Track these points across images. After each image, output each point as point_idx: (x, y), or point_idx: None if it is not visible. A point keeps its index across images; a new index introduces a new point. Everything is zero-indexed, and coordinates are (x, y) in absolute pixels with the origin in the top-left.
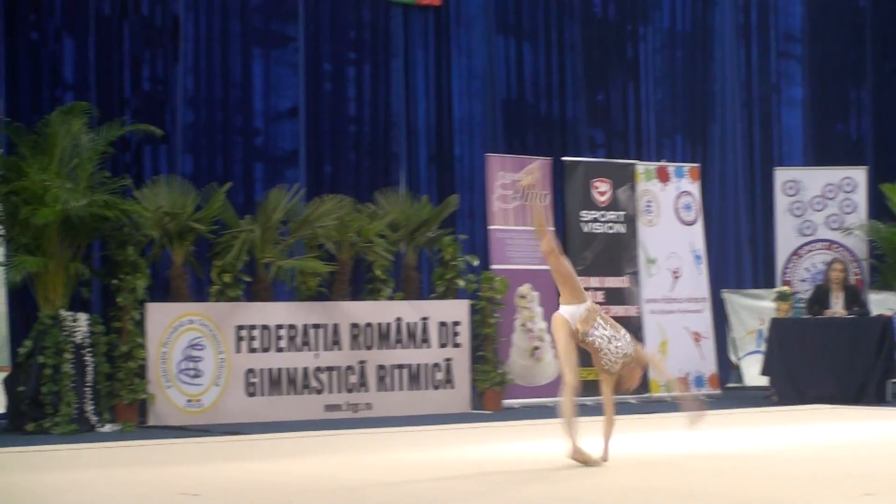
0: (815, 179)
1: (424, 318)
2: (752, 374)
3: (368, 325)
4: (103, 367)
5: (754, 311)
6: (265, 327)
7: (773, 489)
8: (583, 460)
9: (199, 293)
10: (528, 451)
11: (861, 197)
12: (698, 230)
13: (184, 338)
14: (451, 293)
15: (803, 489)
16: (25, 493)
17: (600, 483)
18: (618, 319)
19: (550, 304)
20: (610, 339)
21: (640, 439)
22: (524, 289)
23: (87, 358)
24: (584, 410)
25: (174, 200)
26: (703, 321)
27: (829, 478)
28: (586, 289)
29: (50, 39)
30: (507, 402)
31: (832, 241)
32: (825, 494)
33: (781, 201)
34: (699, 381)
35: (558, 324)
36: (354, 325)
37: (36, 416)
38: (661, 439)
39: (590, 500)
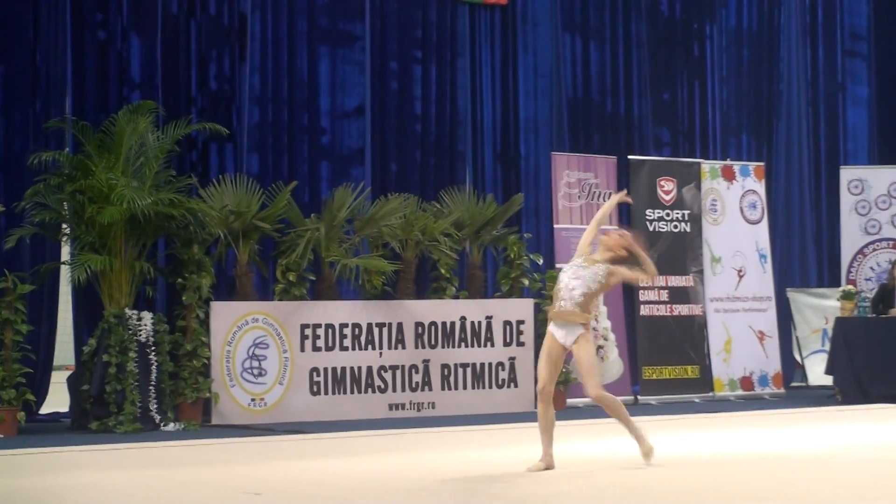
0: (880, 178)
1: (489, 317)
2: (817, 373)
3: (433, 323)
4: (167, 365)
5: (819, 309)
6: (329, 326)
7: (836, 488)
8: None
9: (264, 292)
10: (592, 449)
11: None
12: (763, 229)
13: (248, 336)
14: (516, 292)
15: (867, 490)
16: (89, 491)
17: (670, 480)
18: (682, 319)
19: (614, 304)
20: None
21: (705, 438)
22: None
23: (151, 356)
24: (647, 409)
25: (239, 199)
26: (768, 320)
27: (891, 475)
28: (651, 288)
29: (117, 38)
30: (571, 401)
31: None
32: (884, 493)
33: (847, 200)
34: (763, 381)
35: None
36: (419, 324)
37: (100, 415)
38: (726, 438)
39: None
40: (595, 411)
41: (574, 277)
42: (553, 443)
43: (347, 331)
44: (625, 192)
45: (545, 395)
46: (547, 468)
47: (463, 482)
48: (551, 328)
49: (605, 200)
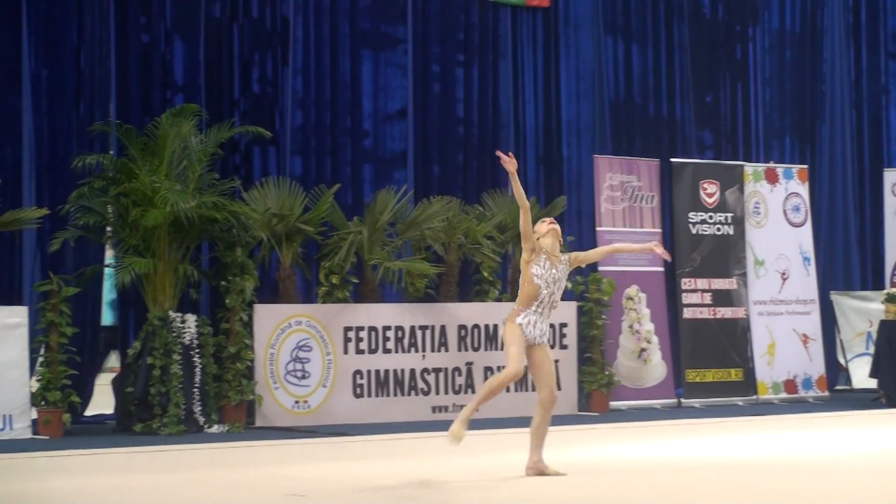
0: None
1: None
2: (861, 376)
3: (475, 326)
4: (211, 367)
5: (863, 312)
6: (372, 328)
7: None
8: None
9: (307, 294)
10: (634, 453)
11: None
12: (807, 231)
13: (291, 339)
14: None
15: None
16: (133, 493)
17: (713, 485)
18: (725, 322)
19: (657, 306)
20: None
21: (748, 441)
22: (632, 290)
23: (195, 359)
24: (691, 413)
25: (282, 202)
26: (812, 323)
27: None
28: (694, 291)
29: (160, 42)
30: (614, 403)
31: None
32: None
33: (891, 202)
34: (807, 384)
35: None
36: (461, 327)
37: (144, 417)
38: (770, 441)
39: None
40: (637, 413)
41: (556, 280)
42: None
43: (390, 333)
44: (663, 250)
45: (517, 377)
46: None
47: (505, 483)
48: (525, 326)
49: (647, 203)
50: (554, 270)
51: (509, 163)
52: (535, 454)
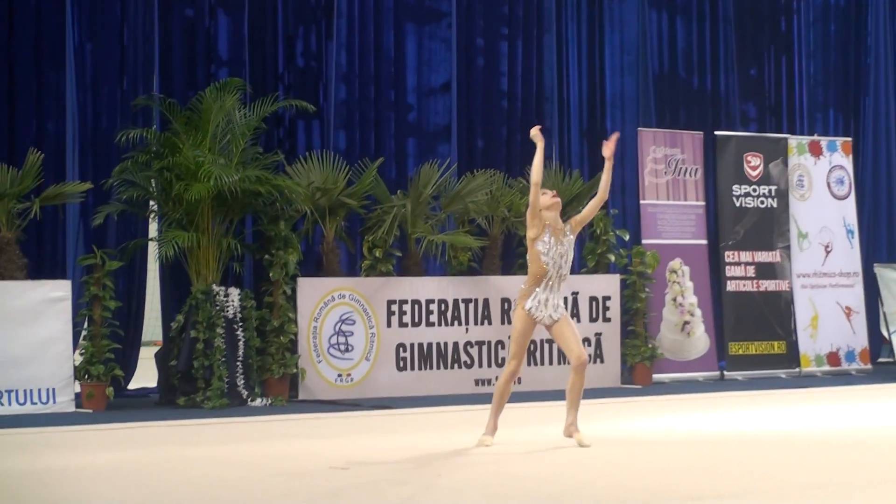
0: None
1: (575, 293)
2: None
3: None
4: (254, 341)
5: None
6: (416, 302)
7: None
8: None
9: (351, 268)
10: (676, 424)
11: None
12: (851, 204)
13: (335, 312)
14: (602, 267)
15: None
16: (177, 466)
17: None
18: (769, 294)
19: (700, 279)
20: None
21: (792, 414)
22: (675, 263)
23: (238, 332)
24: (734, 385)
25: (326, 176)
26: (855, 296)
27: None
28: (737, 264)
29: (205, 16)
30: (657, 376)
31: None
32: None
33: None
34: (850, 356)
35: None
36: (504, 300)
37: (187, 391)
38: (813, 414)
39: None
40: (680, 386)
41: (563, 255)
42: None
43: (433, 307)
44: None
45: (514, 376)
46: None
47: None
48: (534, 309)
49: (691, 176)
50: (559, 246)
51: (539, 138)
52: (570, 416)
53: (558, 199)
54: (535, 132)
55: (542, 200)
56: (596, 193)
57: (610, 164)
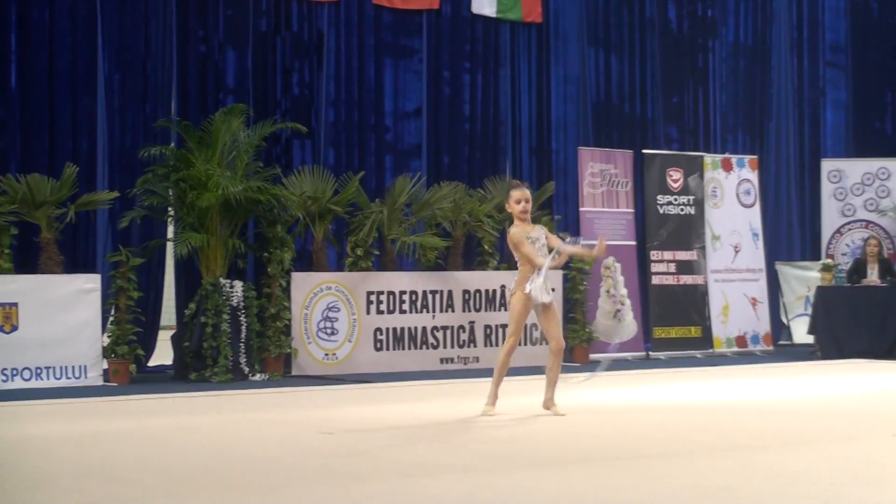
0: (855, 169)
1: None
2: (801, 333)
3: (477, 291)
4: (255, 326)
5: (803, 280)
6: (391, 293)
7: (821, 428)
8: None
9: (336, 264)
10: (609, 397)
11: (894, 184)
12: (756, 212)
13: (322, 301)
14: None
15: (843, 428)
16: (191, 431)
17: (674, 423)
18: (687, 287)
19: (631, 274)
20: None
21: (706, 387)
22: (609, 261)
23: (241, 318)
24: (657, 364)
25: (316, 186)
26: (760, 288)
27: (864, 419)
28: (661, 261)
29: (215, 51)
30: (593, 355)
31: (869, 221)
32: (861, 432)
33: (827, 187)
34: (755, 339)
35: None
36: (465, 291)
37: (198, 367)
38: (723, 387)
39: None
40: (613, 364)
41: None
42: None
43: (406, 297)
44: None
45: (513, 351)
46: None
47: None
48: (536, 290)
49: (622, 188)
50: (537, 242)
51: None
52: (548, 392)
53: (523, 195)
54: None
55: (512, 207)
56: (558, 250)
57: (572, 253)
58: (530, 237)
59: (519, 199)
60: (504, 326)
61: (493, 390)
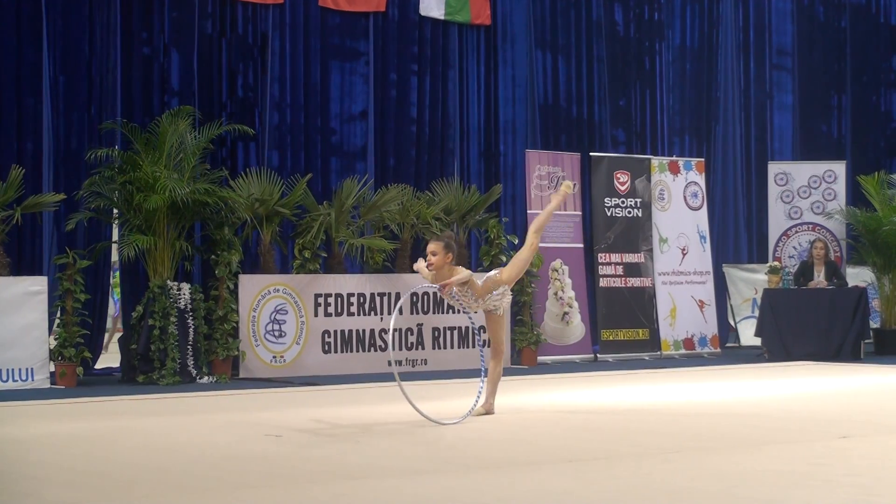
0: (801, 172)
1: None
2: (748, 335)
3: (425, 293)
4: (202, 328)
5: (749, 282)
6: (339, 295)
7: (768, 430)
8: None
9: (284, 266)
10: (558, 399)
11: (840, 187)
12: (703, 214)
13: (270, 304)
14: (496, 267)
15: (791, 430)
16: (138, 433)
17: (621, 424)
18: (635, 290)
19: (578, 276)
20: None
21: (653, 389)
22: (556, 263)
23: (189, 321)
24: (605, 366)
25: (263, 189)
26: (707, 291)
27: (811, 421)
28: (609, 264)
29: (160, 53)
30: (542, 358)
31: (816, 224)
32: (809, 435)
33: (773, 190)
34: (703, 342)
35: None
36: (414, 294)
37: (145, 370)
38: (670, 389)
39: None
40: (561, 366)
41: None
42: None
43: (354, 299)
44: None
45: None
46: (487, 413)
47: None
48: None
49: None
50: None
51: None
52: (490, 399)
53: (433, 261)
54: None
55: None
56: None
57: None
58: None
59: (426, 252)
60: (451, 329)
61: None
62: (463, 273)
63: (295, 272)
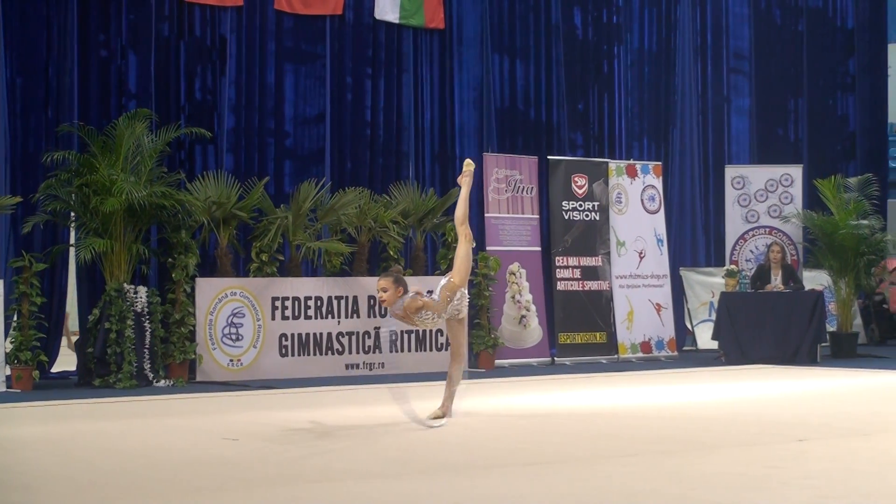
0: (759, 175)
1: (430, 291)
2: (705, 338)
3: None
4: (159, 331)
5: (707, 285)
6: (296, 298)
7: (725, 433)
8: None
9: (241, 270)
10: (515, 402)
11: (797, 190)
12: (661, 218)
13: (227, 307)
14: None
15: (747, 433)
16: (94, 436)
17: (569, 426)
18: (592, 293)
19: (536, 280)
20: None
21: (610, 393)
22: (514, 267)
23: (145, 324)
24: (563, 369)
25: (220, 192)
26: (664, 294)
27: (768, 424)
28: (566, 267)
29: (117, 56)
30: (499, 361)
31: (772, 228)
32: (765, 438)
33: (731, 194)
34: (660, 345)
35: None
36: (371, 297)
37: (102, 373)
38: (627, 392)
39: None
40: (518, 370)
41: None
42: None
43: (311, 302)
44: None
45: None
46: (444, 416)
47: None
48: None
49: (527, 194)
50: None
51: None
52: (448, 402)
53: (384, 297)
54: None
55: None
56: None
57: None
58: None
59: (377, 288)
60: (408, 332)
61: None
62: (418, 300)
63: (252, 275)
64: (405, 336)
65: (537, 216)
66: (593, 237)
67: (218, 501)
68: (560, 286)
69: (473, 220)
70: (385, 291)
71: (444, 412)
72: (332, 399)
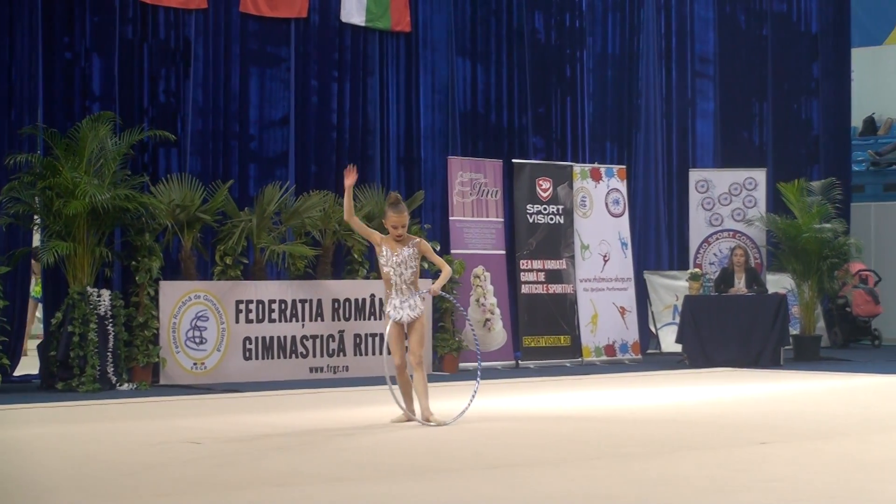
0: (723, 179)
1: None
2: (669, 341)
3: (347, 300)
4: (122, 335)
5: (671, 289)
6: (260, 302)
7: (688, 436)
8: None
9: (205, 273)
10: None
11: (761, 194)
12: (625, 221)
13: (191, 310)
14: (417, 273)
15: (710, 436)
16: (57, 441)
17: (541, 430)
18: (556, 296)
19: (500, 283)
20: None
21: (574, 396)
22: (478, 270)
23: (109, 327)
24: (527, 372)
25: (184, 195)
26: (628, 297)
27: (731, 427)
28: (530, 270)
29: (81, 58)
30: (463, 364)
31: (736, 231)
32: (727, 441)
33: (695, 197)
34: (624, 348)
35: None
36: (335, 300)
37: (65, 377)
38: (591, 395)
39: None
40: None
41: (401, 262)
42: (413, 401)
43: (275, 306)
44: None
45: (401, 368)
46: (408, 420)
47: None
48: (392, 313)
49: (492, 197)
50: (395, 256)
51: (349, 176)
52: (423, 403)
53: (394, 219)
54: (348, 170)
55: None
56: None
57: (350, 191)
58: (384, 255)
59: (395, 224)
60: (373, 335)
61: (406, 405)
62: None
63: (216, 278)
64: (369, 339)
65: (502, 219)
66: (557, 240)
67: None
68: (524, 289)
69: (437, 223)
70: (404, 227)
71: (408, 416)
72: (296, 402)
